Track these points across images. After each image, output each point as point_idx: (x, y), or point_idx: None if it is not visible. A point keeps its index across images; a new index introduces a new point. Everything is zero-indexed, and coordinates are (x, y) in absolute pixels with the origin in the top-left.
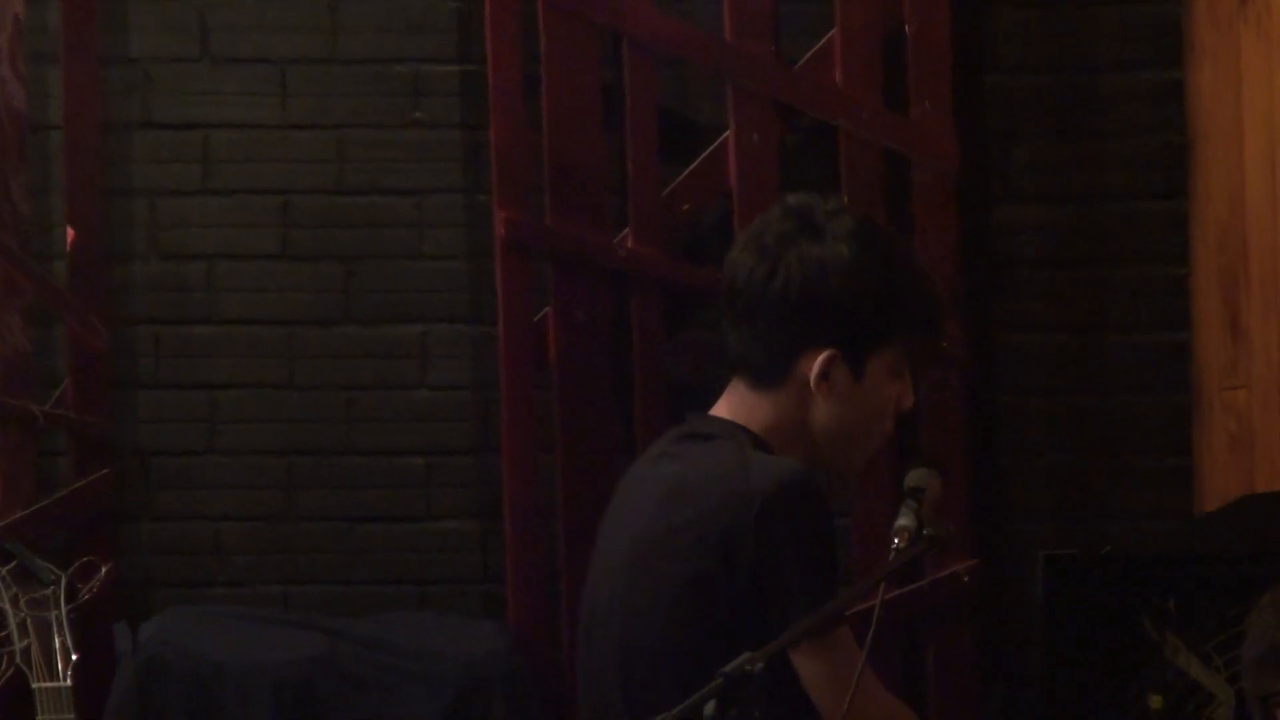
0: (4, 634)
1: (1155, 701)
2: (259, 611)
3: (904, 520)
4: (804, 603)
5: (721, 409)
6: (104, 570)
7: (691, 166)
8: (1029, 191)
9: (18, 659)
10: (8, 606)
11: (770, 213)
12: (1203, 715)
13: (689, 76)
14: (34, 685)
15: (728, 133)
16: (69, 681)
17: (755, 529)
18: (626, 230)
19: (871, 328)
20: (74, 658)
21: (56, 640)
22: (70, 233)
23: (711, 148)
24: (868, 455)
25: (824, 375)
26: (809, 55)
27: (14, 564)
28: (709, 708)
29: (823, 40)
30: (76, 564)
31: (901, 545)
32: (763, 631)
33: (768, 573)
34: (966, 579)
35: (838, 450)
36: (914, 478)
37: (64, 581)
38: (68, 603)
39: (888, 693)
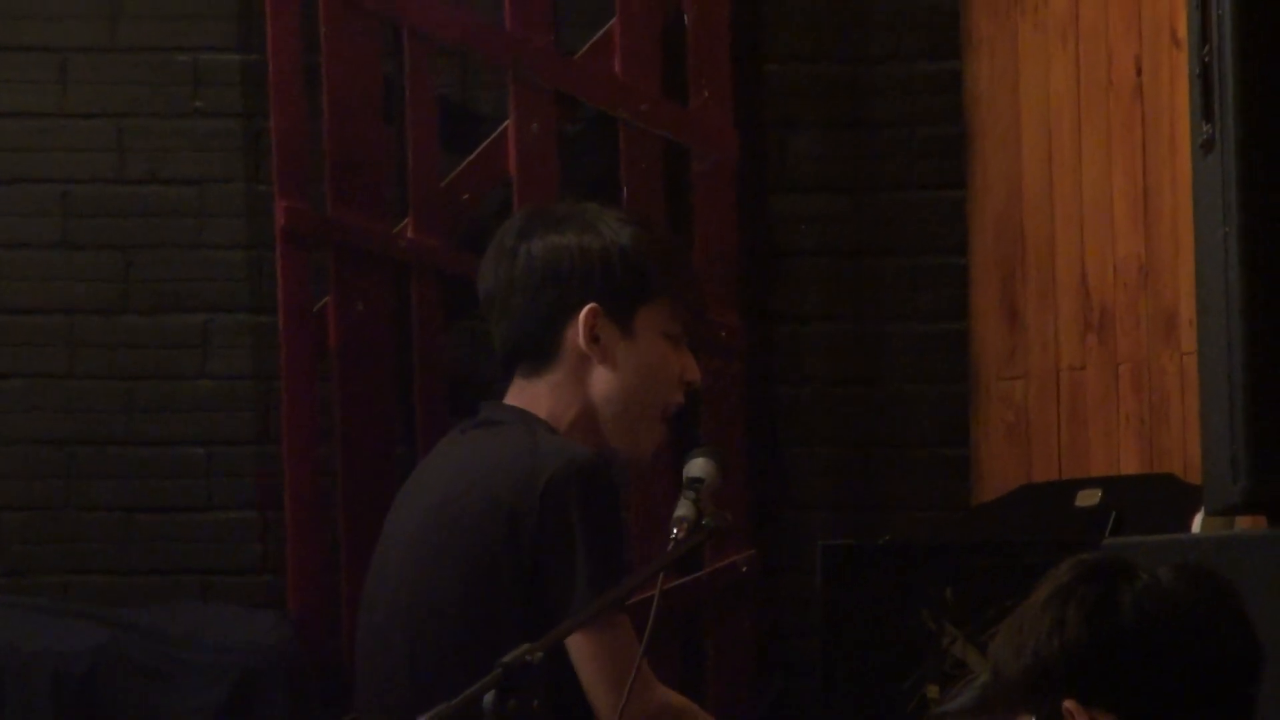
0: None
1: (932, 691)
2: (39, 601)
3: (683, 510)
4: (585, 585)
5: (511, 400)
6: None
7: (471, 156)
8: (808, 181)
9: None
10: None
11: (509, 220)
12: None
13: (469, 67)
14: None
15: (507, 122)
16: None
17: (540, 508)
18: (407, 220)
19: (626, 281)
20: None
21: None
22: None
23: (491, 137)
24: (655, 436)
25: (593, 336)
26: (589, 45)
27: None
28: (488, 698)
29: (602, 30)
30: None
31: (681, 536)
32: (546, 613)
33: (550, 553)
34: (745, 569)
35: (623, 426)
36: (693, 468)
37: None
38: None
39: (661, 685)
